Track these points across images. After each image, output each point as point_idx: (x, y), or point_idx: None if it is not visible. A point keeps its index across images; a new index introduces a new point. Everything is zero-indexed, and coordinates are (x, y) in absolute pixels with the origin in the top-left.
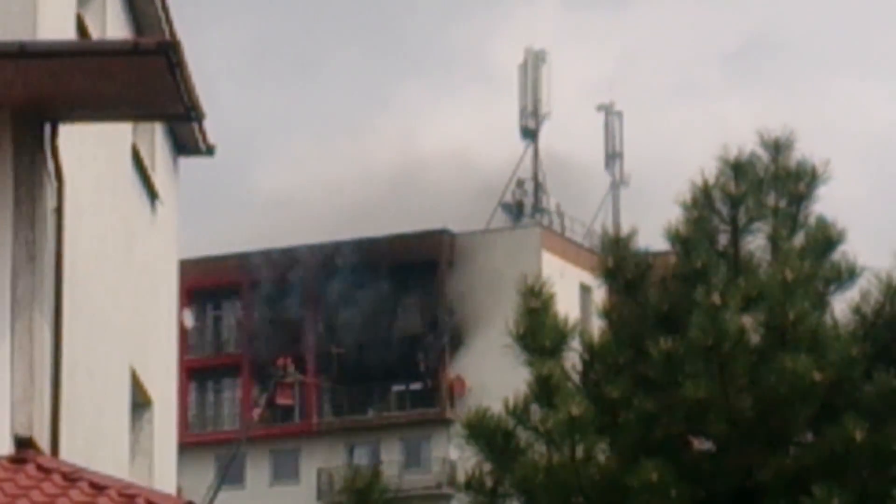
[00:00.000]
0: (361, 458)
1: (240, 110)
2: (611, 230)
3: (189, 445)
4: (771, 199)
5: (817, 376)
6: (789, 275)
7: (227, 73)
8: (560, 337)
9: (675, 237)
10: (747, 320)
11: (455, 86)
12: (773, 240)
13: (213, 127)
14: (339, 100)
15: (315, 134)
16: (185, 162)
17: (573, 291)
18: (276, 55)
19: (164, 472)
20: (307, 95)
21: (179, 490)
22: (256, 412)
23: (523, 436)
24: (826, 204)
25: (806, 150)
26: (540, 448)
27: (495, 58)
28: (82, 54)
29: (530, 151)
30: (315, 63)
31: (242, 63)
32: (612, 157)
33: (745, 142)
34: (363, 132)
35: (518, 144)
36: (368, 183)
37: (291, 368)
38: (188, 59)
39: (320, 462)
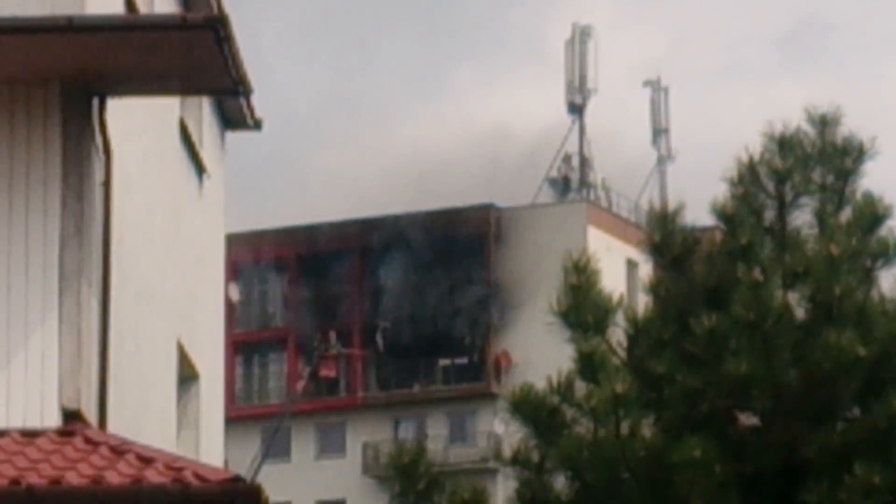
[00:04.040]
0: (407, 432)
1: (294, 88)
2: (657, 206)
3: (235, 419)
4: (817, 175)
5: (862, 352)
6: (835, 250)
7: (283, 52)
8: (604, 313)
9: (721, 213)
10: (793, 296)
11: (509, 66)
12: (820, 215)
13: (267, 104)
14: (393, 80)
15: (368, 112)
16: (235, 136)
17: (619, 267)
18: (333, 34)
19: (210, 445)
20: (362, 75)
21: (226, 463)
22: (300, 384)
23: (568, 412)
24: (873, 180)
25: (853, 126)
26: (585, 424)
27: (548, 38)
28: (130, 28)
29: (576, 126)
30: (370, 43)
31: (298, 42)
32: (659, 132)
33: (792, 119)
34: (415, 111)
35: (564, 119)
36: (418, 159)
37: (335, 340)
38: (238, 34)
39: (366, 436)
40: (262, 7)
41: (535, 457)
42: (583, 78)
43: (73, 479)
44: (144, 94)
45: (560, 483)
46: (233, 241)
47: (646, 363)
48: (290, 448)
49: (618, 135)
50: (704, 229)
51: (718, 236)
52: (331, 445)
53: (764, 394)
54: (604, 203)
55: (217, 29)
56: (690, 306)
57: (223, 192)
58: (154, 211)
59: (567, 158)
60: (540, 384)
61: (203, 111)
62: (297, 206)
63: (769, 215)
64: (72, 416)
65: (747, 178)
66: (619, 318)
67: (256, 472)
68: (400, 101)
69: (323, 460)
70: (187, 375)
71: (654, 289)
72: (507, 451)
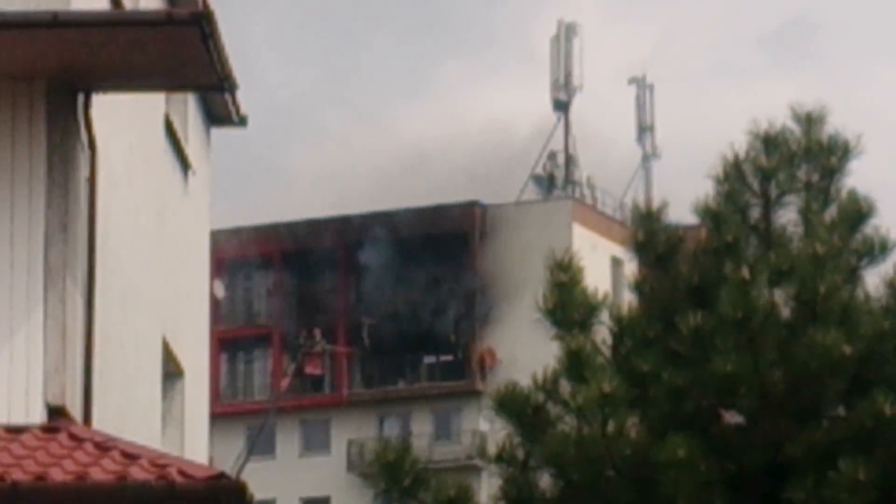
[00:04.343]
0: (392, 429)
1: (281, 85)
2: (642, 203)
3: (220, 415)
4: (803, 173)
5: (847, 350)
6: (820, 248)
7: (269, 48)
8: (589, 311)
9: (705, 211)
10: (778, 294)
11: (495, 64)
12: (805, 213)
13: (253, 100)
14: (379, 77)
15: (354, 109)
16: (220, 132)
17: (604, 264)
18: (319, 31)
19: (195, 441)
20: (348, 72)
21: (211, 460)
22: (285, 381)
23: (553, 410)
24: (858, 178)
25: (839, 125)
26: (570, 422)
27: (534, 35)
28: (116, 24)
29: (562, 124)
30: (357, 40)
31: (284, 38)
32: (644, 129)
33: (778, 117)
34: (401, 108)
35: (550, 117)
36: (403, 156)
37: (320, 338)
38: (223, 30)
39: (350, 433)
40: (248, 3)
41: (520, 454)
42: (568, 75)
43: (57, 475)
44: (130, 90)
45: (545, 481)
46: (218, 237)
47: (631, 361)
48: (275, 445)
49: (603, 132)
50: (689, 227)
51: (703, 234)
52: (315, 443)
53: (749, 392)
54: (589, 201)
55: (202, 25)
56: (675, 304)
57: (208, 188)
58: (139, 207)
59: (552, 156)
60: (525, 382)
61: (188, 107)
62: (283, 202)
63: (754, 213)
64: (56, 413)
65: (732, 175)
66: (604, 316)
67: (241, 469)
68: (386, 99)
69: (308, 457)
70: (172, 372)
71: (639, 287)
72: (491, 449)
